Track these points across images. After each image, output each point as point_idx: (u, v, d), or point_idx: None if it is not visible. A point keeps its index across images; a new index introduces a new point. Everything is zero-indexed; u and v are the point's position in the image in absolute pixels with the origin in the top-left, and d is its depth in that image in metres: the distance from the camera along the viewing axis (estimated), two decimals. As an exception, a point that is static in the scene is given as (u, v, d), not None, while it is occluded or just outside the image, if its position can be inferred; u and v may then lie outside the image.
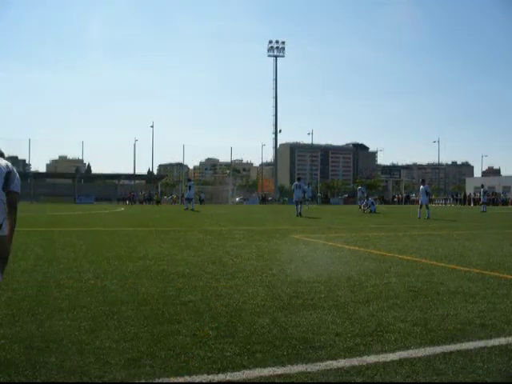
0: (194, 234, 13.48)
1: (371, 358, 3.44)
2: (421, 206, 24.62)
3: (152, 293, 5.52)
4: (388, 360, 3.41)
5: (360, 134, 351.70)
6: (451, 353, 3.57)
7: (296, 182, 26.85)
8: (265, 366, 3.28)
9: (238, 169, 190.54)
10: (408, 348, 3.67)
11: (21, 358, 3.38)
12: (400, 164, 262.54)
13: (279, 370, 3.22)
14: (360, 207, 36.74)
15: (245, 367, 3.26)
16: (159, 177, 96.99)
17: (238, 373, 3.17)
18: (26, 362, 3.31)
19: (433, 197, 72.87)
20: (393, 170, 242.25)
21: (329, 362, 3.36)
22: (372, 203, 31.79)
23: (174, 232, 14.25)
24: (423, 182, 25.61)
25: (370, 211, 30.75)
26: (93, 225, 17.60)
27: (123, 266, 7.48)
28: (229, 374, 3.15)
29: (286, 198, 74.14)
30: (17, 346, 3.60)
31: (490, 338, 3.95)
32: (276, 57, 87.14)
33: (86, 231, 14.50)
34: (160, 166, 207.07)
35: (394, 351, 3.59)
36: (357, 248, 10.44)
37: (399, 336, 3.96)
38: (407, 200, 72.64)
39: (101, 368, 3.21)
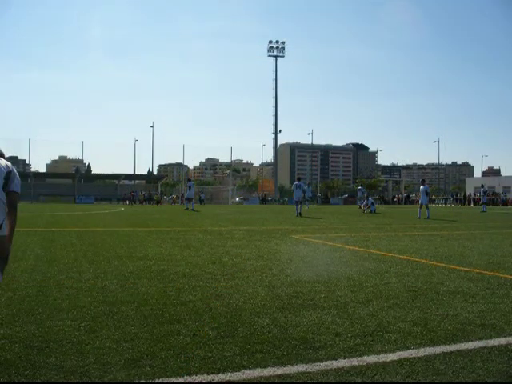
0: (194, 234, 13.48)
1: (371, 358, 3.43)
2: (421, 205, 24.64)
3: (152, 293, 5.52)
4: (388, 360, 3.41)
5: (360, 134, 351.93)
6: (451, 353, 3.57)
7: (296, 182, 26.86)
8: (265, 366, 3.28)
9: (237, 169, 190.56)
10: (408, 348, 3.67)
11: (21, 358, 3.38)
12: (400, 164, 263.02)
13: (279, 370, 3.22)
14: (360, 207, 36.76)
15: (245, 367, 3.26)
16: (159, 177, 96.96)
17: (237, 373, 3.17)
18: (26, 362, 3.30)
19: (433, 197, 72.90)
20: (393, 170, 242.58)
21: (329, 362, 3.36)
22: (372, 203, 31.79)
23: (174, 232, 14.25)
24: (423, 182, 25.63)
25: (370, 211, 30.75)
26: (93, 225, 17.60)
27: (123, 266, 7.48)
28: (229, 374, 3.15)
29: (286, 198, 74.21)
30: (17, 346, 3.60)
31: (490, 337, 3.95)
32: (276, 57, 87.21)
33: (86, 231, 14.50)
34: (160, 166, 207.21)
35: (393, 351, 3.59)
36: (357, 248, 10.44)
37: (399, 336, 3.96)
38: (407, 200, 72.64)
39: (101, 368, 3.21)
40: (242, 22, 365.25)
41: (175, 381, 3.05)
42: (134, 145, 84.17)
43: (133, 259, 8.30)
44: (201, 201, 60.94)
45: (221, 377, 3.11)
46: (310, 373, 3.18)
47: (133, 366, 3.26)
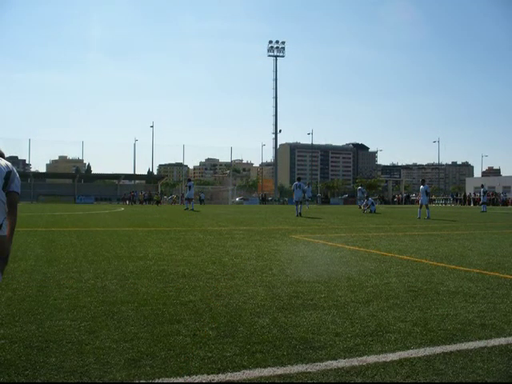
0: (194, 234, 13.48)
1: (371, 358, 3.44)
2: (421, 205, 24.64)
3: (152, 293, 5.51)
4: (388, 360, 3.41)
5: (360, 134, 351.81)
6: (451, 353, 3.57)
7: (296, 182, 26.86)
8: (265, 366, 3.28)
9: (237, 169, 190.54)
10: (408, 348, 3.67)
11: (21, 358, 3.38)
12: (400, 164, 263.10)
13: (279, 370, 3.22)
14: (360, 207, 36.76)
15: (245, 367, 3.26)
16: (159, 177, 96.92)
17: (237, 373, 3.17)
18: (26, 362, 3.30)
19: (433, 197, 72.90)
20: (393, 170, 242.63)
21: (329, 362, 3.36)
22: (372, 203, 31.79)
23: (174, 232, 14.24)
24: (423, 182, 25.63)
25: (370, 211, 30.75)
26: (93, 225, 17.59)
27: (123, 266, 7.48)
28: (229, 374, 3.15)
29: (286, 198, 74.26)
30: (17, 346, 3.60)
31: (490, 337, 3.95)
32: (276, 57, 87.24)
33: (86, 231, 14.50)
34: (160, 166, 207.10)
35: (393, 351, 3.59)
36: (357, 248, 10.44)
37: (399, 336, 3.96)
38: (407, 200, 72.65)
39: (101, 368, 3.21)
40: (242, 21, 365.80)
41: (175, 381, 3.05)
42: (134, 145, 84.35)
43: (133, 259, 8.29)
44: (201, 201, 60.94)
45: (221, 377, 3.11)
46: (310, 373, 3.18)
47: (133, 366, 3.26)
